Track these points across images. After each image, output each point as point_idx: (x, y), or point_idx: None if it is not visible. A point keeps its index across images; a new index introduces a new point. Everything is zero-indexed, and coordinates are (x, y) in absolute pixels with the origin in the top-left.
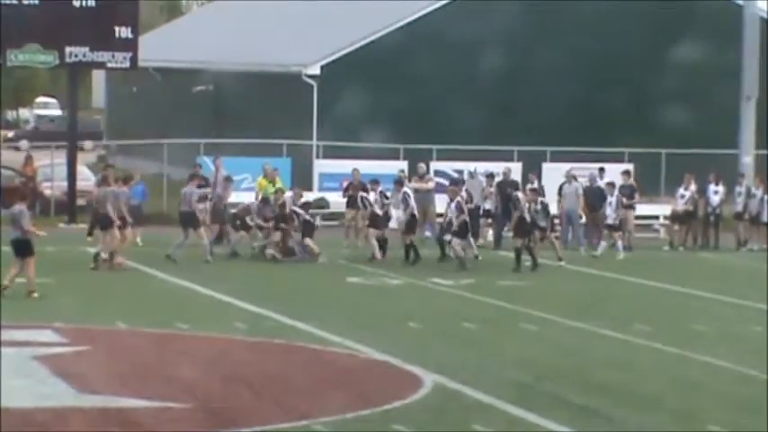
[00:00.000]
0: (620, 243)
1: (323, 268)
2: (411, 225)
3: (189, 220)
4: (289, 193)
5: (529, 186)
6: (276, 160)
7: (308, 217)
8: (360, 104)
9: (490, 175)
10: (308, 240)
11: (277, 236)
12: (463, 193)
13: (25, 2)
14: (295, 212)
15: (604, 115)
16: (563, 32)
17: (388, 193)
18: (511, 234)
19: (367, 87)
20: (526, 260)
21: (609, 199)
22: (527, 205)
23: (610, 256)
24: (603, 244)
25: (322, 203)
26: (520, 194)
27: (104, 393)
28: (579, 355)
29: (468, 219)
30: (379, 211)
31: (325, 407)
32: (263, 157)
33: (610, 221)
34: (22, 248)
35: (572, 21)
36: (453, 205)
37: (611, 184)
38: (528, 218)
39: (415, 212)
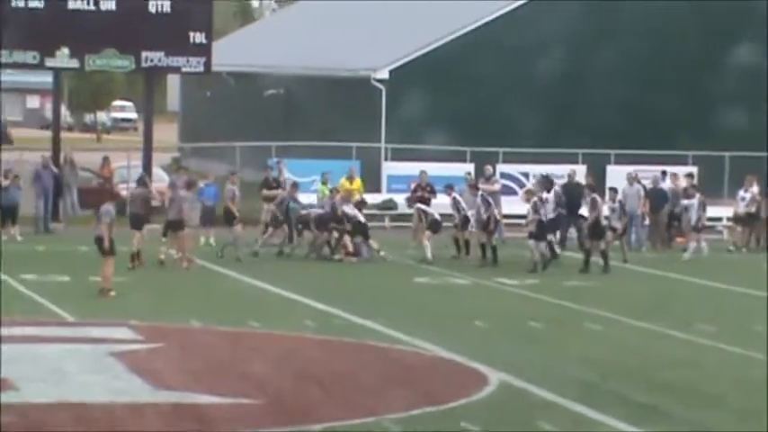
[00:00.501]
0: (693, 245)
1: (390, 268)
2: (495, 225)
3: (226, 217)
4: (338, 195)
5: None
6: (345, 162)
7: (360, 218)
8: (427, 107)
9: (547, 178)
10: (371, 242)
11: (327, 236)
12: (544, 195)
13: (103, 8)
14: (346, 214)
15: (668, 118)
16: (627, 34)
17: (463, 203)
18: (582, 235)
19: (434, 91)
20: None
21: (691, 200)
22: (604, 207)
23: (675, 258)
24: (692, 245)
25: (390, 205)
26: (597, 196)
27: (178, 389)
28: (643, 355)
29: (544, 219)
30: (438, 217)
31: (393, 404)
32: (332, 160)
33: (693, 222)
34: (102, 246)
35: (635, 22)
36: (530, 207)
37: (694, 187)
38: (603, 220)
39: (496, 213)
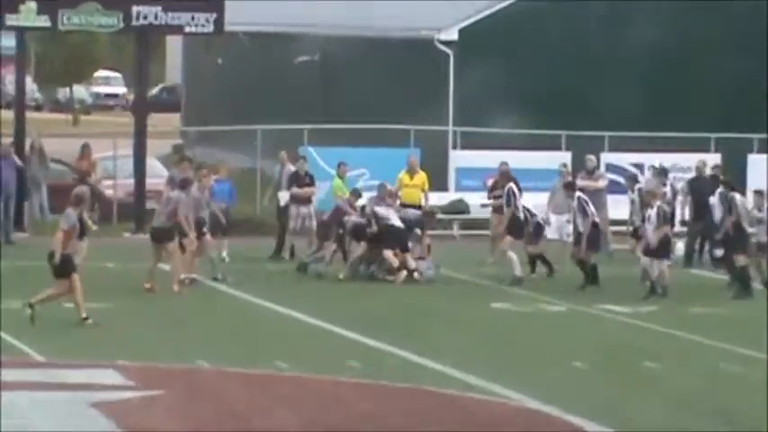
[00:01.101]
0: None
1: (459, 290)
2: (593, 238)
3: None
4: (367, 195)
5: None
6: (401, 151)
7: (394, 222)
8: (508, 79)
9: (663, 171)
10: (387, 253)
11: (364, 248)
12: (666, 191)
13: None
14: (376, 216)
15: None
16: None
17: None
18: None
19: (517, 57)
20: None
21: None
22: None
23: None
24: None
25: (459, 207)
26: (737, 195)
27: None
28: None
29: (670, 231)
30: (522, 215)
31: None
32: (383, 148)
33: None
34: (58, 268)
35: None
36: (653, 213)
37: None
38: (746, 227)
39: (597, 220)
